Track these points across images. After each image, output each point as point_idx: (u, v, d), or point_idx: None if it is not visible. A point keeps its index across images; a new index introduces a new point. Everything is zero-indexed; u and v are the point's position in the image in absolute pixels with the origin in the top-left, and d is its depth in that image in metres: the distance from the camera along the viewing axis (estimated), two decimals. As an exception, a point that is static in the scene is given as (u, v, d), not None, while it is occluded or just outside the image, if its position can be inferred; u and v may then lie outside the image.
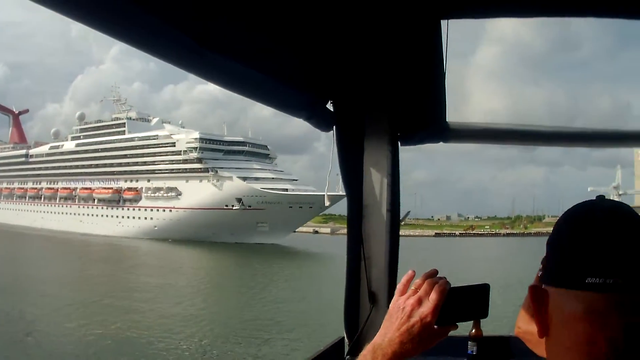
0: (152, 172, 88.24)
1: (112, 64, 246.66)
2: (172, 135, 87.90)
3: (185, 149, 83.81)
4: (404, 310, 1.32)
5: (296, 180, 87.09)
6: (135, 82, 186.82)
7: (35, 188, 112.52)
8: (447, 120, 3.18)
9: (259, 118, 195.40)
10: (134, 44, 1.76)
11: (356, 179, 3.20)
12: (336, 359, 3.12)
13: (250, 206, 78.38)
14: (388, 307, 2.04)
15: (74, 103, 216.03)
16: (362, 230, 3.17)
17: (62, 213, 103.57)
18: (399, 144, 3.24)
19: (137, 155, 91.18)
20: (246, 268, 55.14)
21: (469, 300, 1.35)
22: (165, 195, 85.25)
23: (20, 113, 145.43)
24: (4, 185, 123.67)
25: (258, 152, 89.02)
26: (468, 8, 2.79)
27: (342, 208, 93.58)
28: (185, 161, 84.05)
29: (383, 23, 2.65)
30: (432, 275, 1.37)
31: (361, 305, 3.14)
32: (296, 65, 2.62)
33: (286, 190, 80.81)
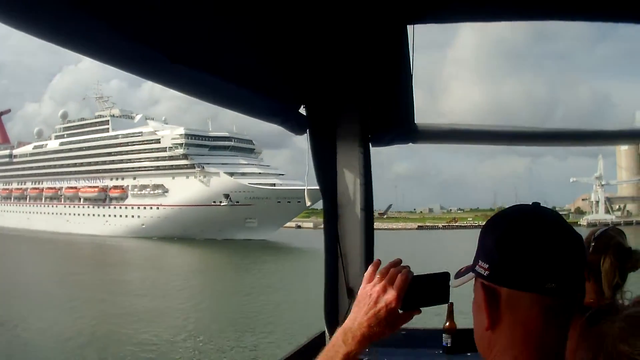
0: (138, 169, 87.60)
1: (91, 63, 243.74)
2: (156, 132, 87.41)
3: (171, 146, 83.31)
4: (370, 297, 1.45)
5: (283, 174, 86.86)
6: (113, 79, 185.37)
7: (20, 188, 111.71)
8: (415, 122, 3.33)
9: (237, 114, 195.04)
10: (103, 59, 1.80)
11: (330, 180, 3.29)
12: (317, 351, 3.10)
13: (238, 202, 78.12)
14: None
15: (54, 102, 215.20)
16: (338, 229, 3.29)
17: (48, 213, 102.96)
18: (370, 145, 3.35)
19: (122, 153, 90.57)
20: (235, 265, 55.07)
21: (431, 287, 1.48)
22: (151, 192, 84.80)
23: (1, 113, 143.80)
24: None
25: (243, 147, 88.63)
26: (432, 14, 2.92)
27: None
28: (170, 157, 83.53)
29: (351, 29, 2.81)
30: (396, 264, 1.50)
31: (340, 300, 3.29)
32: (267, 74, 2.70)
33: (274, 185, 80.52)
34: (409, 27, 2.92)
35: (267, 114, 2.93)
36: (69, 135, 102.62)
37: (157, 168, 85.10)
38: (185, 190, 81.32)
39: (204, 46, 2.05)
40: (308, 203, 3.91)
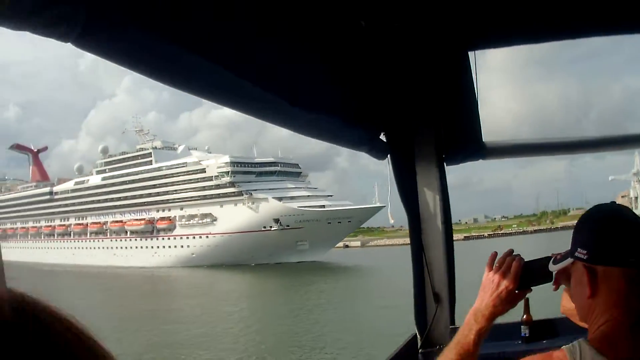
0: (185, 199, 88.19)
1: (125, 96, 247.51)
2: (201, 161, 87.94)
3: (217, 174, 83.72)
4: (493, 282, 1.87)
5: (331, 196, 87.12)
6: (151, 112, 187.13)
7: (64, 225, 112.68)
8: (483, 139, 3.70)
9: (277, 139, 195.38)
10: (233, 106, 2.08)
11: (412, 198, 3.71)
12: (411, 353, 3.62)
13: (288, 226, 78.41)
14: (450, 305, 3.71)
15: (90, 138, 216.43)
16: (422, 240, 3.72)
17: (94, 248, 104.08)
18: (445, 164, 3.73)
19: (167, 184, 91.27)
20: (286, 287, 55.95)
21: (538, 270, 1.87)
22: (200, 222, 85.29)
23: (39, 151, 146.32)
24: (30, 224, 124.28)
25: (290, 172, 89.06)
26: (490, 40, 3.47)
27: (370, 221, 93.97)
28: (217, 186, 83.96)
29: (420, 60, 3.36)
30: (510, 254, 1.92)
31: (427, 305, 3.71)
32: (354, 106, 3.04)
33: (323, 206, 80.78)
34: (470, 53, 3.42)
35: (354, 143, 3.30)
36: (111, 170, 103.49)
37: (204, 197, 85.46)
38: (234, 217, 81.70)
39: (314, 89, 2.44)
40: (391, 221, 4.51)
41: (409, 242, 3.87)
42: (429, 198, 3.71)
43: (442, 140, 3.66)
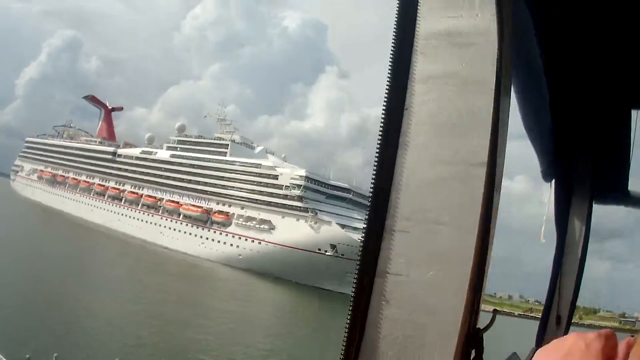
0: (248, 199, 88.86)
1: (210, 82, 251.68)
2: (275, 168, 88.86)
3: (288, 185, 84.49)
4: None
5: None
6: (230, 104, 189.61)
7: (118, 189, 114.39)
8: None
9: (346, 165, 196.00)
10: None
11: (563, 224, 4.10)
12: None
13: (343, 255, 77.95)
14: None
15: (163, 113, 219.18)
16: (563, 264, 4.04)
17: (143, 221, 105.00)
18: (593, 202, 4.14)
19: (235, 180, 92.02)
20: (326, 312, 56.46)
21: None
22: (257, 226, 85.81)
23: (113, 109, 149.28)
24: (83, 177, 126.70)
25: (360, 202, 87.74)
26: None
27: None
28: (285, 196, 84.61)
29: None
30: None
31: (549, 326, 4.01)
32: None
33: None
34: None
35: (545, 152, 3.67)
36: (183, 150, 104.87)
37: (269, 204, 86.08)
38: (292, 231, 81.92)
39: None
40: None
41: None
42: (577, 228, 4.01)
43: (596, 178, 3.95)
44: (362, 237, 1.93)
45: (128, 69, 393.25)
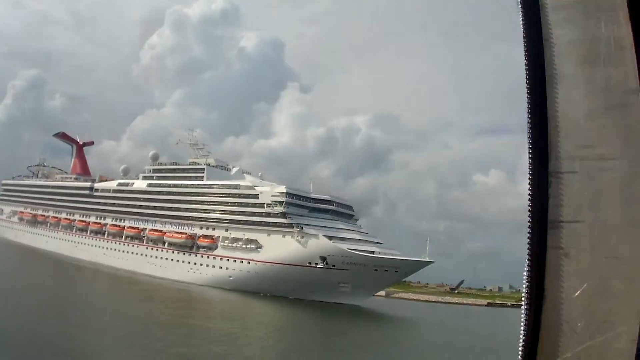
0: (231, 221, 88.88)
1: (174, 109, 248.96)
2: (255, 187, 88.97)
3: (270, 202, 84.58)
4: None
5: (381, 243, 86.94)
6: (197, 128, 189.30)
7: (99, 223, 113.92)
8: None
9: (319, 178, 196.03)
10: None
11: None
12: None
13: (334, 266, 78.66)
14: None
15: (132, 143, 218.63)
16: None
17: (128, 252, 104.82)
18: None
19: (215, 203, 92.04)
20: (325, 326, 58.66)
21: None
22: (244, 246, 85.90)
23: (84, 144, 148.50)
24: (63, 215, 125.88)
25: (343, 212, 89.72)
26: None
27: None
28: (268, 214, 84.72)
29: None
30: None
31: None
32: None
33: (372, 252, 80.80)
34: None
35: None
36: (159, 178, 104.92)
37: (253, 223, 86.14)
38: (281, 248, 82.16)
39: None
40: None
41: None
42: None
43: None
44: (529, 184, 1.92)
45: (93, 103, 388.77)
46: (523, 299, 2.31)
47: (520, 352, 2.73)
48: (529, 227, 1.99)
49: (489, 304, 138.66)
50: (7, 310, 39.98)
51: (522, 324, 2.74)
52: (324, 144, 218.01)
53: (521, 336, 2.77)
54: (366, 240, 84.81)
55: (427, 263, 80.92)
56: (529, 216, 2.02)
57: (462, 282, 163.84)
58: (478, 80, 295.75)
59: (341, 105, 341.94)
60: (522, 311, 2.59)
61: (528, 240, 2.01)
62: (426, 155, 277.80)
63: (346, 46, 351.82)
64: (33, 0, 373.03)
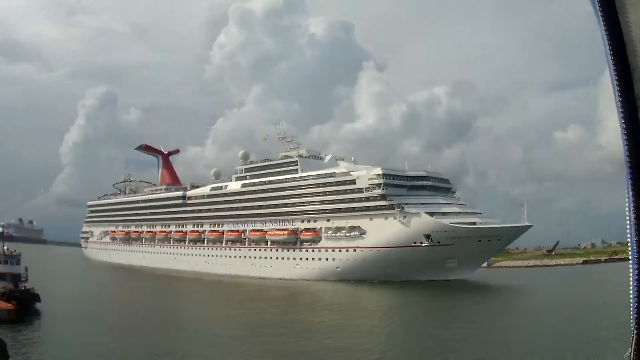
0: (332, 211, 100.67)
1: (254, 106, 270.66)
2: (351, 173, 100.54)
3: (368, 186, 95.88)
4: None
5: (480, 213, 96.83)
6: (281, 122, 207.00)
7: (197, 231, 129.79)
8: None
9: (408, 154, 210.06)
10: None
11: None
12: None
13: (439, 242, 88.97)
14: None
15: (216, 146, 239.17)
16: None
17: (230, 256, 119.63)
18: None
19: (313, 194, 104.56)
20: (434, 305, 66.50)
21: None
22: (347, 234, 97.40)
23: (170, 153, 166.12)
24: (158, 228, 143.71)
25: (441, 187, 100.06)
26: None
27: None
28: (367, 199, 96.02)
29: None
30: None
31: None
32: None
33: (474, 224, 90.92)
34: None
35: None
36: (252, 177, 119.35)
37: (354, 209, 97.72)
38: (384, 231, 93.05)
39: None
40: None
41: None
42: None
43: None
44: (621, 123, 2.47)
45: (170, 111, 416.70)
46: (629, 249, 2.62)
47: (632, 306, 3.05)
48: (628, 168, 2.44)
49: (584, 262, 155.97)
50: (117, 326, 48.11)
51: (630, 277, 3.04)
52: (408, 120, 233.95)
53: (631, 290, 3.07)
54: (466, 212, 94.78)
55: (527, 227, 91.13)
56: (626, 155, 2.48)
57: (557, 243, 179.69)
58: (547, 34, 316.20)
59: (418, 78, 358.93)
60: (630, 263, 2.88)
61: (630, 183, 2.47)
62: (507, 119, 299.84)
63: (414, 18, 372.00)
64: (88, 16, 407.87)
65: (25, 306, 48.62)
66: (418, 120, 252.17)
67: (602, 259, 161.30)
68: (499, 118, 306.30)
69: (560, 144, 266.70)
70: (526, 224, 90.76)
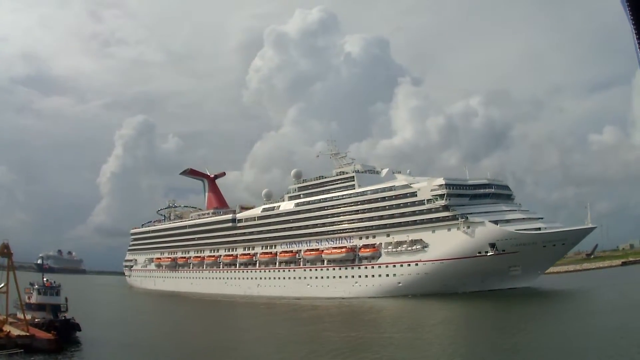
0: (392, 225, 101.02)
1: (291, 127, 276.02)
2: (411, 185, 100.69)
3: (430, 198, 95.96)
4: None
5: (542, 218, 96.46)
6: (318, 142, 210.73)
7: (248, 254, 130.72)
8: None
9: (445, 167, 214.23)
10: None
11: None
12: None
13: (504, 250, 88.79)
14: None
15: (255, 169, 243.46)
16: None
17: (284, 278, 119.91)
18: None
19: (372, 210, 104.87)
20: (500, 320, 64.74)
21: None
22: (409, 248, 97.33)
23: (216, 177, 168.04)
24: (207, 253, 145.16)
25: (502, 194, 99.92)
26: None
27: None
28: (429, 210, 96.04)
29: None
30: None
31: None
32: None
33: (539, 229, 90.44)
34: None
35: None
36: (306, 195, 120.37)
37: (414, 222, 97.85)
38: (448, 243, 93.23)
39: None
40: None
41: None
42: None
43: None
44: None
45: (208, 137, 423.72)
46: None
47: None
48: None
49: (623, 263, 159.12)
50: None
51: None
52: (446, 132, 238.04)
53: None
54: (530, 218, 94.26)
55: (590, 230, 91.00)
56: None
57: (596, 246, 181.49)
58: (577, 35, 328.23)
59: (454, 89, 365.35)
60: None
61: None
62: (543, 124, 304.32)
63: (447, 30, 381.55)
64: (122, 48, 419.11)
65: (65, 335, 50.29)
66: (455, 132, 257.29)
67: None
68: (535, 124, 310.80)
69: (596, 146, 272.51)
70: (590, 225, 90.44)
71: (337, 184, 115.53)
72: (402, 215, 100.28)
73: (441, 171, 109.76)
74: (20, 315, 52.25)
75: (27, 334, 48.39)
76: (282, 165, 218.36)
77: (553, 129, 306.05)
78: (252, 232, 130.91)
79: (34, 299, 56.88)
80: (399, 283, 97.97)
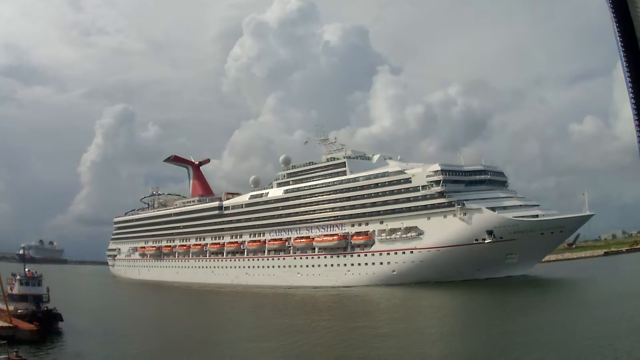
0: (385, 212, 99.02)
1: (270, 116, 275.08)
2: (405, 171, 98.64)
3: (425, 184, 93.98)
4: None
5: (539, 205, 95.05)
6: (297, 130, 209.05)
7: (235, 242, 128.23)
8: None
9: (423, 155, 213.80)
10: None
11: None
12: None
13: (501, 237, 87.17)
14: None
15: (234, 157, 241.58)
16: None
17: (274, 266, 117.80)
18: None
19: (365, 196, 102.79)
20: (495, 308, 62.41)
21: None
22: (403, 236, 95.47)
23: (200, 164, 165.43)
24: (192, 241, 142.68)
25: (498, 180, 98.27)
26: None
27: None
28: (424, 197, 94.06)
29: None
30: None
31: None
32: None
33: (536, 216, 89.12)
34: None
35: None
36: (295, 182, 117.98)
37: (409, 209, 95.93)
38: (444, 230, 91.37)
39: None
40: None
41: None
42: None
43: None
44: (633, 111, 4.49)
45: (188, 125, 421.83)
46: None
47: None
48: None
49: (605, 253, 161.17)
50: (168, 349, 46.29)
51: None
52: (425, 121, 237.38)
53: None
54: (527, 205, 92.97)
55: (588, 217, 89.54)
56: None
57: (578, 235, 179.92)
58: (560, 28, 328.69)
59: (433, 79, 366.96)
60: None
61: None
62: (523, 114, 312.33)
63: (429, 20, 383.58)
64: (102, 37, 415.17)
65: (47, 326, 50.68)
66: (434, 121, 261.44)
67: (624, 249, 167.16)
68: (515, 114, 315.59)
69: (577, 136, 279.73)
70: (588, 213, 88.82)
71: (328, 169, 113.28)
72: (396, 201, 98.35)
73: (420, 160, 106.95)
74: (2, 307, 51.17)
75: (10, 325, 48.08)
76: (261, 154, 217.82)
77: (534, 119, 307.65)
78: (240, 219, 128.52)
79: (16, 289, 56.40)
80: (393, 271, 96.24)
